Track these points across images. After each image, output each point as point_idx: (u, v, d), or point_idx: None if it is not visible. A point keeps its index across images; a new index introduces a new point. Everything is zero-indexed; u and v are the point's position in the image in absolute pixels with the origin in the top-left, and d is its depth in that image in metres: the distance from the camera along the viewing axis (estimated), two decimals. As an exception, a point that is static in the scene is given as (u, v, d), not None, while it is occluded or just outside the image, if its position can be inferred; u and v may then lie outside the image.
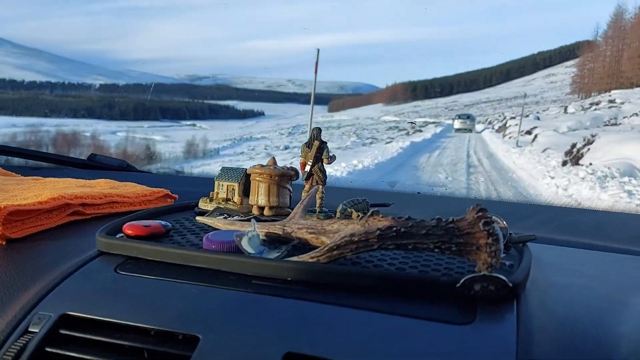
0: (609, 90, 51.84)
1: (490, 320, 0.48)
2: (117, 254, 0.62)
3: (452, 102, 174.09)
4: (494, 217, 0.61)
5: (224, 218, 0.74)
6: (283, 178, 0.77)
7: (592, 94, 67.86)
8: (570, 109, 30.29)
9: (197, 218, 0.75)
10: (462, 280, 0.50)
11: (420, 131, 30.13)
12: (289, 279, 0.55)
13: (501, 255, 0.51)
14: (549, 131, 18.45)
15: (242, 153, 39.09)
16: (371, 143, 24.43)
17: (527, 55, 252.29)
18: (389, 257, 0.61)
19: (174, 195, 0.95)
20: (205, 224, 0.74)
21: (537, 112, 34.59)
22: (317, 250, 0.57)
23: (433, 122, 45.55)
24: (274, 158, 0.81)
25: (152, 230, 0.67)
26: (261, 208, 0.77)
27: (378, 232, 0.54)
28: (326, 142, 0.75)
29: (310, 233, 0.62)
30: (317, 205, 0.76)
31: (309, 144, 0.76)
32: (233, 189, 0.82)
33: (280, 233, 0.64)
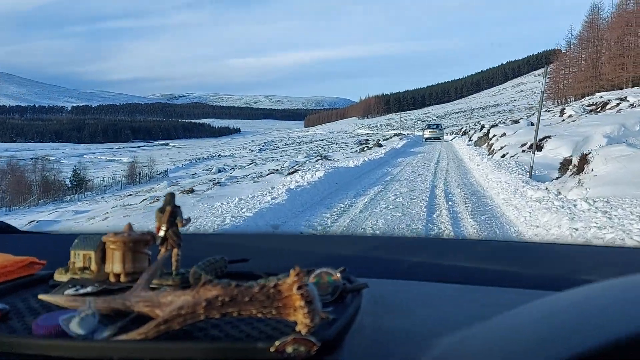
0: (591, 94, 52.05)
1: None
2: None
3: (425, 113, 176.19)
4: (328, 271, 0.69)
5: (75, 290, 0.74)
6: (138, 244, 0.77)
7: (569, 99, 68.76)
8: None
9: (40, 296, 0.73)
10: (276, 344, 0.52)
11: (380, 145, 27.55)
12: (115, 358, 0.55)
13: (315, 315, 0.54)
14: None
15: (194, 174, 38.32)
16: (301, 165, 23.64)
17: (496, 65, 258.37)
18: (223, 322, 0.63)
19: (41, 261, 0.91)
20: (50, 302, 0.72)
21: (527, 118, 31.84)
22: (146, 325, 0.58)
23: (399, 135, 44.18)
24: (129, 224, 0.80)
25: None
26: (117, 275, 0.77)
27: (205, 303, 0.57)
28: (179, 207, 0.77)
29: (147, 306, 0.63)
30: (173, 267, 0.77)
31: (162, 209, 0.76)
32: (90, 257, 0.81)
33: (121, 307, 0.65)
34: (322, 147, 56.35)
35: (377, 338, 0.62)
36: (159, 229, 0.77)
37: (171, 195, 0.78)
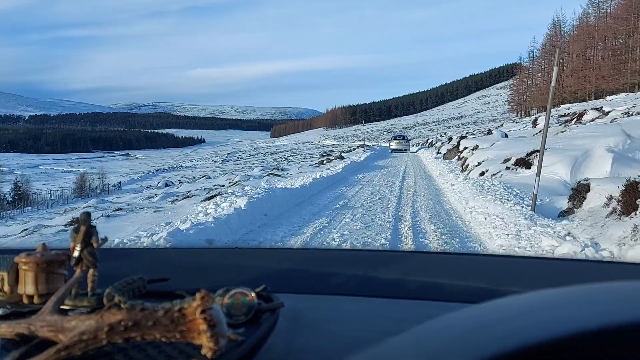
0: (555, 106, 51.77)
1: None
2: None
3: (391, 124, 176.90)
4: (243, 291, 0.69)
5: None
6: (52, 264, 0.76)
7: (532, 111, 68.73)
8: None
9: None
10: None
11: (341, 158, 25.31)
12: None
13: (220, 338, 0.54)
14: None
15: (149, 187, 35.64)
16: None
17: (459, 78, 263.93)
18: (130, 347, 0.62)
19: None
20: None
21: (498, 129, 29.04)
22: (46, 352, 0.57)
23: (363, 146, 41.68)
24: (44, 244, 0.79)
25: None
26: (30, 297, 0.76)
27: (107, 327, 0.56)
28: (95, 227, 0.76)
29: (51, 331, 0.61)
30: (89, 288, 0.77)
31: (77, 229, 0.76)
32: (2, 278, 0.79)
33: (26, 332, 0.63)
34: (285, 159, 54.62)
35: (287, 358, 0.63)
36: (73, 249, 0.76)
37: (87, 215, 0.76)
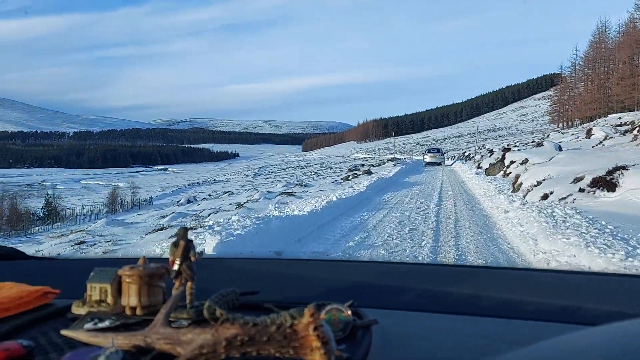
0: (601, 116, 49.10)
1: None
2: None
3: (424, 137, 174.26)
4: (339, 307, 0.71)
5: (94, 324, 0.76)
6: (153, 277, 0.80)
7: (575, 122, 65.96)
8: None
9: (62, 332, 0.75)
10: None
11: (369, 173, 23.71)
12: None
13: (332, 355, 0.57)
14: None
15: (177, 202, 36.05)
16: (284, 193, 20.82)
17: (495, 89, 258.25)
18: None
19: (55, 290, 0.94)
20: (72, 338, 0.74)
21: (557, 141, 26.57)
22: None
23: (393, 159, 40.17)
24: (144, 258, 0.84)
25: (11, 354, 0.63)
26: (133, 308, 0.80)
27: (225, 342, 0.59)
28: (192, 241, 0.79)
29: (168, 344, 0.65)
30: (188, 301, 0.79)
31: (176, 244, 0.79)
32: (106, 290, 0.82)
33: (142, 345, 0.67)
34: (314, 172, 54.36)
35: None
36: (173, 262, 0.79)
37: (184, 230, 0.80)
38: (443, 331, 0.78)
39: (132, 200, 39.26)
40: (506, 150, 22.60)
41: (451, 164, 35.60)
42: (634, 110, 42.93)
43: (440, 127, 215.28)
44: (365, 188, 14.56)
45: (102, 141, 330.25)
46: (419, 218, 9.34)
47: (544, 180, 11.13)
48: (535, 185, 11.21)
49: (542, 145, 20.64)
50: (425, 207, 11.03)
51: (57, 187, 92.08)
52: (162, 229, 10.52)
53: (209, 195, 36.48)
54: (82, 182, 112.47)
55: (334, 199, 11.26)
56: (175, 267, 0.78)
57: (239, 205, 14.53)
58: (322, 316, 0.69)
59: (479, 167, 23.28)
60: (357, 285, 1.08)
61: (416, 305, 0.92)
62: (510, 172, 15.76)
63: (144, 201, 40.39)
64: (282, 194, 15.85)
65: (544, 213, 7.33)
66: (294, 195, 14.95)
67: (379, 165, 35.87)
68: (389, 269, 1.29)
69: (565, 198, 9.02)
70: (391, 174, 21.91)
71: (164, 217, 18.44)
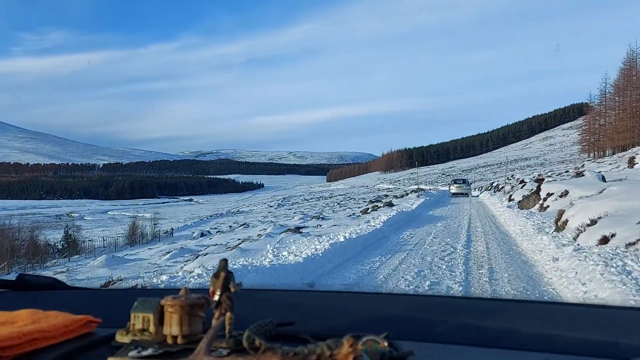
0: (635, 145, 46.68)
1: None
2: None
3: (450, 167, 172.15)
4: (375, 338, 0.70)
5: (138, 352, 0.79)
6: (194, 308, 0.83)
7: (607, 151, 63.69)
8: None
9: (109, 359, 0.79)
10: None
11: (390, 205, 22.00)
12: None
13: None
14: None
15: (192, 236, 35.64)
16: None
17: (522, 119, 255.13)
18: None
19: (97, 319, 0.98)
20: None
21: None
22: None
23: (417, 190, 38.59)
24: (186, 288, 0.87)
25: None
26: (174, 337, 0.83)
27: None
28: (232, 272, 0.83)
29: None
30: (227, 331, 0.82)
31: (217, 275, 0.82)
32: (148, 319, 0.85)
33: None
34: (338, 203, 53.56)
35: None
36: (213, 293, 0.81)
37: (225, 262, 0.83)
38: None
39: (152, 232, 39.04)
40: (540, 180, 20.98)
41: (477, 195, 34.79)
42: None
43: (466, 157, 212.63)
44: (382, 224, 13.03)
45: (131, 172, 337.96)
46: (443, 266, 7.87)
47: (599, 218, 9.20)
48: (588, 225, 9.11)
49: (583, 175, 18.90)
50: (451, 249, 9.53)
51: (85, 218, 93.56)
52: (110, 282, 8.80)
53: (230, 227, 35.93)
54: (109, 212, 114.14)
55: (341, 239, 9.68)
56: (216, 297, 0.80)
57: (234, 246, 12.41)
58: (359, 347, 0.70)
59: (510, 200, 21.77)
60: (390, 318, 1.08)
61: (450, 338, 0.93)
62: (548, 206, 14.24)
63: (165, 233, 40.17)
64: (287, 230, 14.32)
65: (612, 266, 5.84)
66: (300, 233, 13.21)
67: (402, 196, 34.41)
68: (422, 302, 1.30)
69: (634, 244, 7.08)
70: (413, 207, 20.56)
71: (168, 252, 17.82)
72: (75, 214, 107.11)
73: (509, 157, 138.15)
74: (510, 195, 22.73)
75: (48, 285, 1.38)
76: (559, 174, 32.27)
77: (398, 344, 0.75)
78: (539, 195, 16.39)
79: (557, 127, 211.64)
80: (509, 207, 18.20)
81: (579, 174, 20.88)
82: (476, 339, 0.91)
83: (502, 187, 33.66)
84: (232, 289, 0.81)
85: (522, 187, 22.77)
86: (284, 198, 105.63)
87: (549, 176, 28.49)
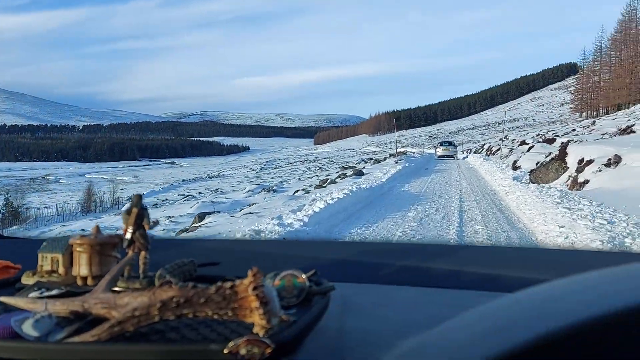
0: (634, 103, 43.99)
1: None
2: None
3: (437, 129, 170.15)
4: (294, 273, 0.69)
5: (40, 293, 0.74)
6: (105, 247, 0.78)
7: (601, 110, 61.28)
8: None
9: (1, 298, 0.73)
10: (229, 346, 0.52)
11: (360, 174, 18.02)
12: None
13: (272, 317, 0.54)
14: None
15: (165, 200, 32.84)
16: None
17: (510, 80, 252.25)
18: (182, 325, 0.62)
19: (16, 265, 0.94)
20: (10, 305, 0.73)
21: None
22: (99, 327, 0.59)
23: (395, 155, 33.83)
24: (97, 226, 0.81)
25: None
26: (84, 278, 0.78)
27: (159, 304, 0.57)
28: (147, 209, 0.77)
29: (104, 308, 0.63)
30: (141, 270, 0.77)
31: (129, 211, 0.76)
32: (57, 260, 0.81)
33: (79, 309, 0.65)
34: (319, 167, 51.14)
35: (339, 339, 0.64)
36: (125, 231, 0.76)
37: (138, 197, 0.77)
38: (410, 301, 0.80)
39: (111, 199, 35.60)
40: (550, 140, 16.44)
41: (465, 158, 33.05)
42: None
43: (454, 119, 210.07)
44: (313, 214, 7.71)
45: (112, 134, 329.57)
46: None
47: None
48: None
49: (633, 131, 14.33)
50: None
51: (61, 181, 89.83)
52: None
53: (200, 192, 33.07)
54: (86, 175, 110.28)
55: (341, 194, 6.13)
56: (128, 235, 0.75)
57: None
58: (277, 282, 0.67)
59: (515, 168, 16.80)
60: (330, 262, 1.06)
61: (390, 280, 0.93)
62: (588, 181, 9.88)
63: (127, 199, 37.16)
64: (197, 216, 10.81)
65: None
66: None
67: (379, 162, 29.87)
68: (366, 248, 1.28)
69: None
70: (384, 179, 14.80)
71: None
72: (51, 177, 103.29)
73: (497, 119, 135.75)
74: (515, 162, 18.01)
75: None
76: (565, 133, 27.86)
77: (324, 281, 0.72)
78: (565, 163, 12.34)
79: (545, 88, 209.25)
80: (516, 179, 13.26)
81: (627, 131, 15.53)
82: (412, 280, 0.92)
83: (497, 150, 29.54)
84: (146, 227, 0.75)
85: (528, 151, 18.84)
86: (267, 162, 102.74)
87: (567, 134, 23.97)
